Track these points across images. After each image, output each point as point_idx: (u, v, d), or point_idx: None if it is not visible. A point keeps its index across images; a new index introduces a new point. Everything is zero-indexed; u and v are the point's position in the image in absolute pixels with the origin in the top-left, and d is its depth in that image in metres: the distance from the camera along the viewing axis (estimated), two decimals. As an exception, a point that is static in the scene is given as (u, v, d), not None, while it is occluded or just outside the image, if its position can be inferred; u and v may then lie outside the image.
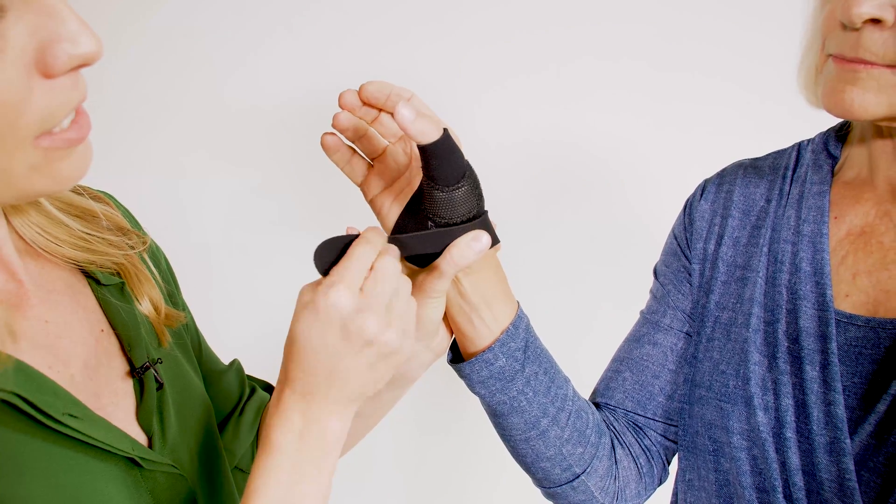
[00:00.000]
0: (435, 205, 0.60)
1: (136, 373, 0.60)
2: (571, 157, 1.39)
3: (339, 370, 0.55)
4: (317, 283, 0.56)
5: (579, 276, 1.42)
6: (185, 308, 0.73)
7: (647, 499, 0.80)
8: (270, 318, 1.38)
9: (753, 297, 0.69)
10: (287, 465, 0.55)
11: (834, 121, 0.70)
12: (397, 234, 0.62)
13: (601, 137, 1.38)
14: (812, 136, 0.74)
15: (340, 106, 0.65)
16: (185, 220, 1.41)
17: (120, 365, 0.60)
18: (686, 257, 0.77)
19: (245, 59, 1.38)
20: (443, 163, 0.59)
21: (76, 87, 0.45)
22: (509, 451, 0.76)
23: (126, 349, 0.60)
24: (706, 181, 0.80)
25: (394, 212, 0.66)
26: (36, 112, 0.42)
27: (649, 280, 0.85)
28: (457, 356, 0.72)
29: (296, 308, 0.56)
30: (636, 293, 0.98)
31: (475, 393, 0.71)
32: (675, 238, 0.80)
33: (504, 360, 0.68)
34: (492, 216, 0.64)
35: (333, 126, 0.67)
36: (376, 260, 0.56)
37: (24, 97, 0.41)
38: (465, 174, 0.61)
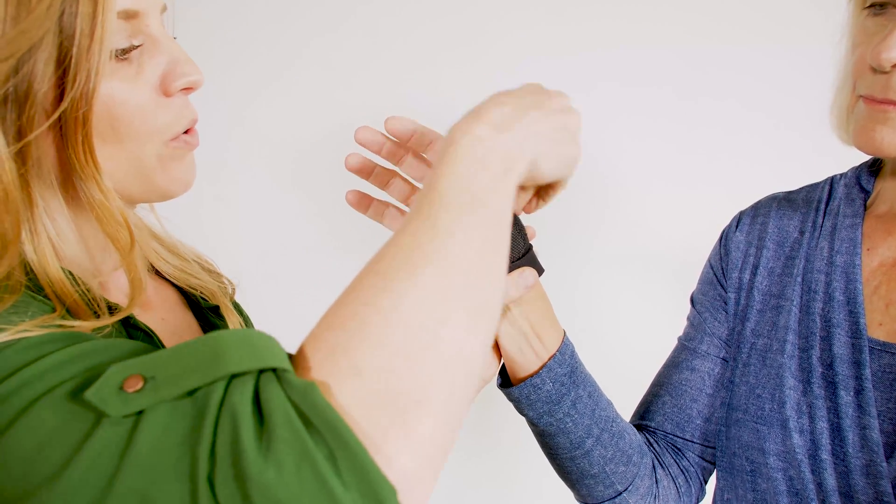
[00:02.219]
0: None
1: None
2: (595, 181, 1.42)
3: (529, 103, 0.53)
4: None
5: (606, 301, 1.44)
6: None
7: None
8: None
9: (788, 324, 0.72)
10: (469, 167, 0.47)
11: (859, 154, 0.73)
12: None
13: (624, 162, 1.41)
14: (844, 171, 0.78)
15: (357, 141, 0.65)
16: (210, 243, 1.46)
17: None
18: (722, 286, 0.81)
19: (271, 83, 1.41)
20: None
21: (187, 106, 0.59)
22: (554, 468, 0.79)
23: None
24: (741, 213, 0.83)
25: None
26: (161, 120, 0.57)
27: (677, 305, 0.88)
28: (505, 380, 0.75)
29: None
30: (668, 320, 1.01)
31: (523, 415, 0.75)
32: (712, 267, 0.83)
33: (551, 384, 0.72)
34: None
35: (347, 167, 0.67)
36: None
37: (154, 108, 0.56)
38: (523, 237, 0.65)
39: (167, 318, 0.66)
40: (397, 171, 0.69)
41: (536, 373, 0.71)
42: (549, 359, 0.71)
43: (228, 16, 1.42)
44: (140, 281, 0.57)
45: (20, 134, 0.51)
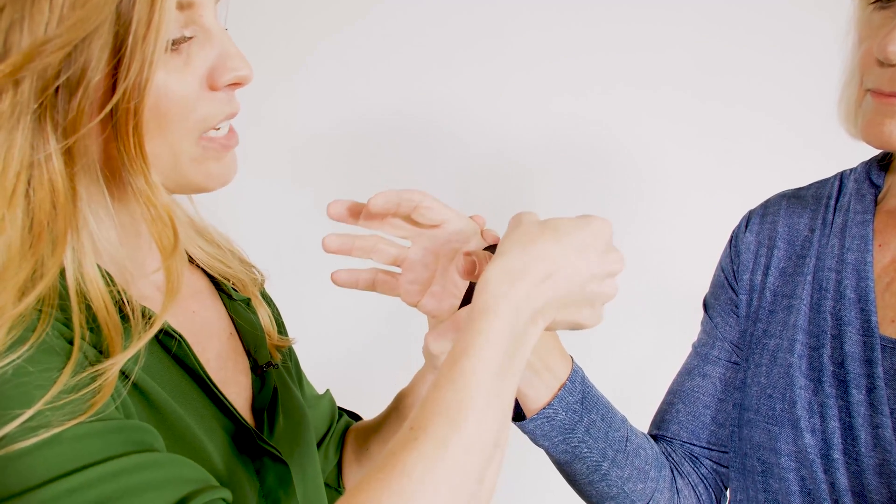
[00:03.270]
0: None
1: (260, 369, 0.68)
2: (613, 180, 1.42)
3: (586, 296, 0.54)
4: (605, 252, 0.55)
5: (619, 311, 1.43)
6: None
7: None
8: (323, 340, 1.42)
9: (797, 323, 0.71)
10: (501, 348, 0.49)
11: (854, 155, 0.72)
12: None
13: (637, 164, 1.40)
14: (854, 166, 0.77)
15: (330, 216, 0.63)
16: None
17: (243, 363, 0.68)
18: (733, 289, 0.80)
19: (285, 79, 1.41)
20: None
21: (230, 101, 0.57)
22: (576, 491, 0.79)
23: (252, 350, 0.68)
24: (750, 213, 0.82)
25: (445, 308, 0.65)
26: (200, 113, 0.55)
27: (690, 313, 0.87)
28: (517, 413, 0.75)
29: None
30: (680, 330, 1.00)
31: (539, 446, 0.74)
32: (723, 270, 0.82)
33: (564, 413, 0.71)
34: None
35: (326, 250, 0.63)
36: None
37: (195, 100, 0.54)
38: None
39: (197, 311, 0.66)
40: (380, 235, 0.66)
41: (548, 403, 0.71)
42: (560, 388, 0.71)
43: (243, 13, 1.42)
44: (177, 286, 0.55)
45: (70, 128, 0.49)
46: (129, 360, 0.51)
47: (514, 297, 0.49)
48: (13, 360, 0.46)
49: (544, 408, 0.71)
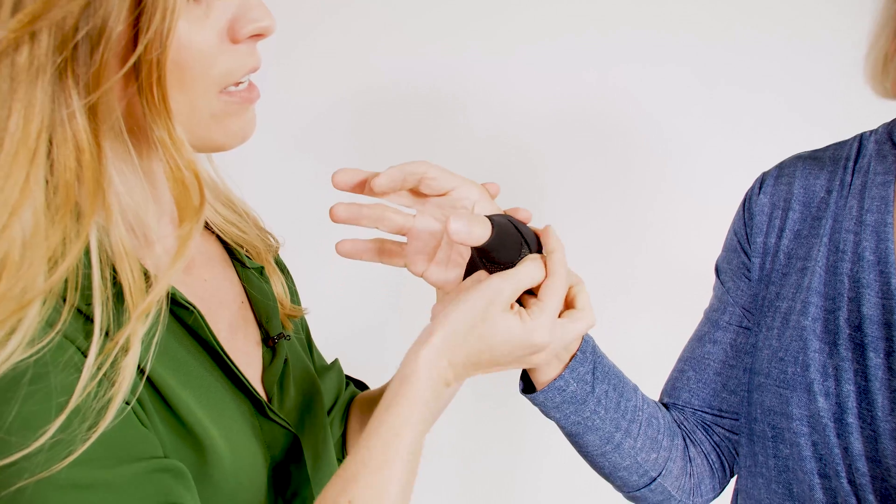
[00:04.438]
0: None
1: (272, 340, 0.66)
2: (619, 151, 1.40)
3: (497, 362, 0.60)
4: (517, 313, 0.59)
5: (631, 281, 1.42)
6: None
7: (722, 491, 0.81)
8: (335, 315, 1.40)
9: (812, 286, 0.69)
10: (423, 425, 0.56)
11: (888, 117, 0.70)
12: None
13: (642, 146, 1.39)
14: (875, 128, 0.74)
15: (335, 185, 0.62)
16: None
17: (254, 333, 0.66)
18: (745, 253, 0.78)
19: (292, 49, 1.39)
20: (501, 251, 0.60)
21: (252, 54, 0.55)
22: (588, 463, 0.77)
23: (263, 321, 0.67)
24: (764, 174, 0.80)
25: (451, 278, 0.65)
26: (222, 66, 0.53)
27: (699, 285, 0.85)
28: (528, 386, 0.73)
29: (499, 314, 0.58)
30: (689, 298, 0.99)
31: (550, 418, 0.72)
32: (735, 234, 0.80)
33: (575, 385, 0.69)
34: (538, 211, 0.65)
35: (334, 220, 0.63)
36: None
37: (216, 54, 0.52)
38: (521, 244, 0.61)
39: (208, 279, 0.64)
40: (385, 203, 0.65)
41: (559, 375, 0.69)
42: (571, 359, 0.69)
43: None
44: (187, 251, 0.53)
45: (94, 82, 0.47)
46: (142, 347, 0.50)
47: (441, 375, 0.57)
48: (43, 347, 0.45)
49: (555, 379, 0.69)
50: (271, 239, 0.74)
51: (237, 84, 0.55)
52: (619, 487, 0.78)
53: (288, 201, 1.42)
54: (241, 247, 0.69)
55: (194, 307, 0.55)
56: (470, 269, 0.64)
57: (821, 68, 1.32)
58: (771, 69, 1.34)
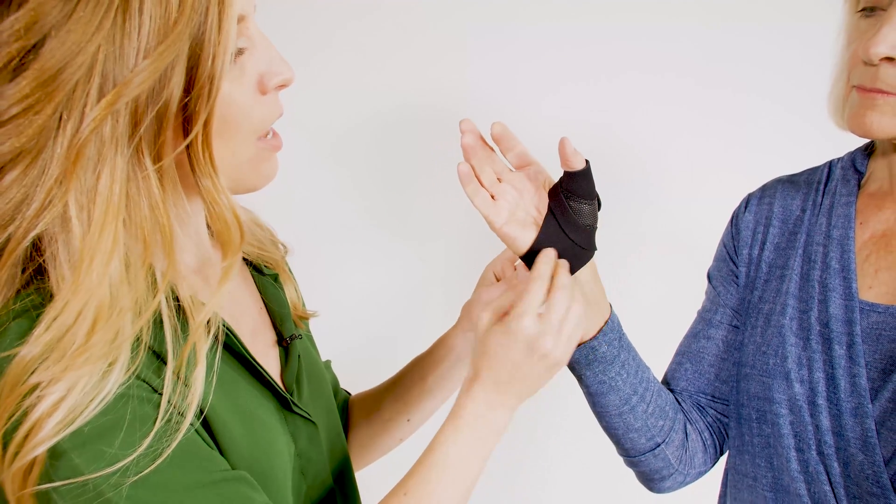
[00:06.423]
0: (572, 212, 0.76)
1: (285, 342, 0.75)
2: (620, 163, 1.45)
3: (517, 376, 0.70)
4: (500, 310, 0.72)
5: (627, 285, 1.46)
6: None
7: (712, 466, 0.93)
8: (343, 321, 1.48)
9: (789, 290, 0.82)
10: (468, 436, 0.69)
11: (853, 143, 0.82)
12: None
13: (643, 150, 1.44)
14: (842, 155, 0.87)
15: (462, 131, 0.77)
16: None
17: (271, 336, 0.75)
18: (733, 262, 0.90)
19: (300, 69, 1.41)
20: (583, 184, 0.76)
21: (278, 102, 0.63)
22: (602, 425, 0.89)
23: (278, 324, 0.75)
24: (749, 195, 0.93)
25: (526, 239, 0.78)
26: (257, 116, 0.61)
27: (694, 283, 0.96)
28: None
29: (487, 324, 0.72)
30: (685, 295, 1.08)
31: (578, 375, 0.85)
32: (724, 246, 0.93)
33: (606, 347, 0.83)
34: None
35: (461, 174, 0.77)
36: (553, 289, 0.72)
37: (252, 105, 0.60)
38: (596, 196, 0.77)
39: (232, 290, 0.72)
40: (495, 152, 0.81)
41: (594, 336, 0.83)
42: (604, 324, 0.83)
43: (259, 4, 1.47)
44: (229, 279, 0.60)
45: (162, 150, 0.54)
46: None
47: (490, 416, 0.70)
48: (133, 372, 0.53)
49: (591, 340, 0.82)
50: (281, 247, 0.83)
51: (266, 134, 0.63)
52: (626, 451, 0.89)
53: (307, 212, 1.46)
54: (261, 261, 0.77)
55: (229, 327, 0.62)
56: (543, 236, 0.76)
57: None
58: (759, 77, 1.38)
